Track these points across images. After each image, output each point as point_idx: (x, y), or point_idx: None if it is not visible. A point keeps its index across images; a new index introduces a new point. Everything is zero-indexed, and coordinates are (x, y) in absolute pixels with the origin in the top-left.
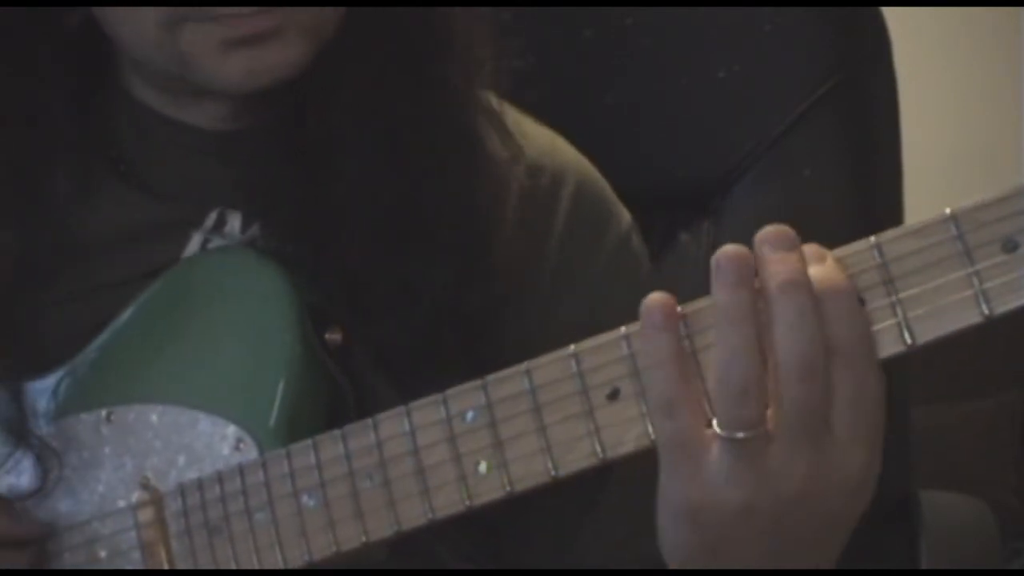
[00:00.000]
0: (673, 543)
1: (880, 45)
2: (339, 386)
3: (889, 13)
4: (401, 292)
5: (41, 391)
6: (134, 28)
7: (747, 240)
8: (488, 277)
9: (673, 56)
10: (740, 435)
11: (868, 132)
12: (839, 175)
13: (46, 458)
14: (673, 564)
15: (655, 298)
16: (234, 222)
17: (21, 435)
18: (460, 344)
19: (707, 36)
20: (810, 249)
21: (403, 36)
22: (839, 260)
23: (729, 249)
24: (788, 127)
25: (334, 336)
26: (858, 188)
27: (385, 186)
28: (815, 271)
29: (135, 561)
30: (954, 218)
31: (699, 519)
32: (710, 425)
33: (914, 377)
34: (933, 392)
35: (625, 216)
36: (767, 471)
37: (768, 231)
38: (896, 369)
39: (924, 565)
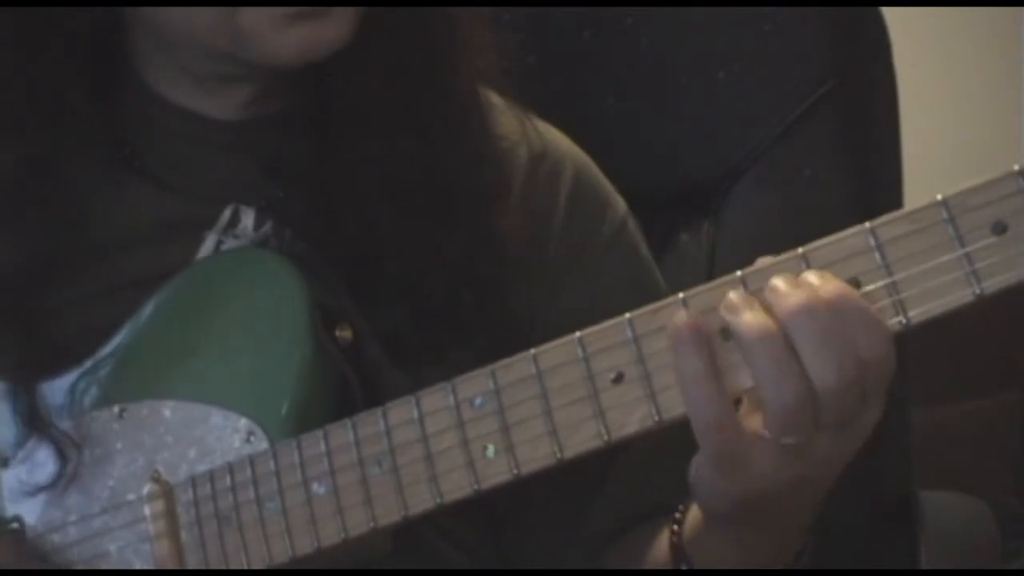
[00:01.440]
0: (712, 505)
1: (880, 45)
2: (349, 382)
3: (889, 13)
4: (411, 279)
5: (58, 390)
6: (188, 11)
7: (747, 240)
8: (495, 263)
9: (673, 56)
10: (790, 440)
11: (868, 132)
12: (839, 175)
13: (65, 447)
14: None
15: (680, 321)
16: (247, 220)
17: (34, 425)
18: (470, 333)
19: (707, 36)
20: (816, 274)
21: (414, 30)
22: (837, 243)
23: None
24: (788, 127)
25: (344, 333)
26: (858, 188)
27: (390, 181)
28: (831, 287)
29: (144, 553)
30: (945, 203)
31: (746, 498)
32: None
33: (914, 377)
34: (933, 392)
35: (621, 202)
36: (813, 456)
37: (775, 278)
38: (896, 369)
39: (924, 565)
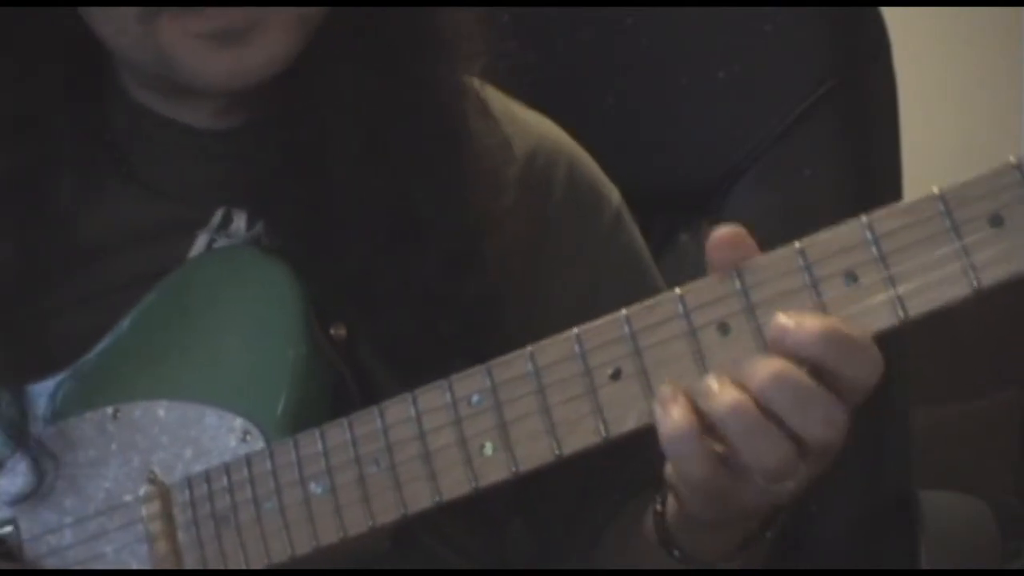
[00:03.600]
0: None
1: (880, 45)
2: (344, 381)
3: (889, 13)
4: (400, 283)
5: (42, 392)
6: (116, 27)
7: None
8: (486, 264)
9: (673, 56)
10: (788, 488)
11: (868, 132)
12: (839, 175)
13: (43, 461)
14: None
15: (665, 393)
16: (239, 221)
17: (21, 438)
18: (463, 331)
19: (707, 36)
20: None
21: (389, 32)
22: (833, 236)
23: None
24: (788, 127)
25: (339, 331)
26: (858, 188)
27: (376, 180)
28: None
29: (141, 555)
30: (942, 195)
31: (732, 516)
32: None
33: (914, 377)
34: (933, 392)
35: (615, 192)
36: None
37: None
38: (896, 369)
39: (924, 565)
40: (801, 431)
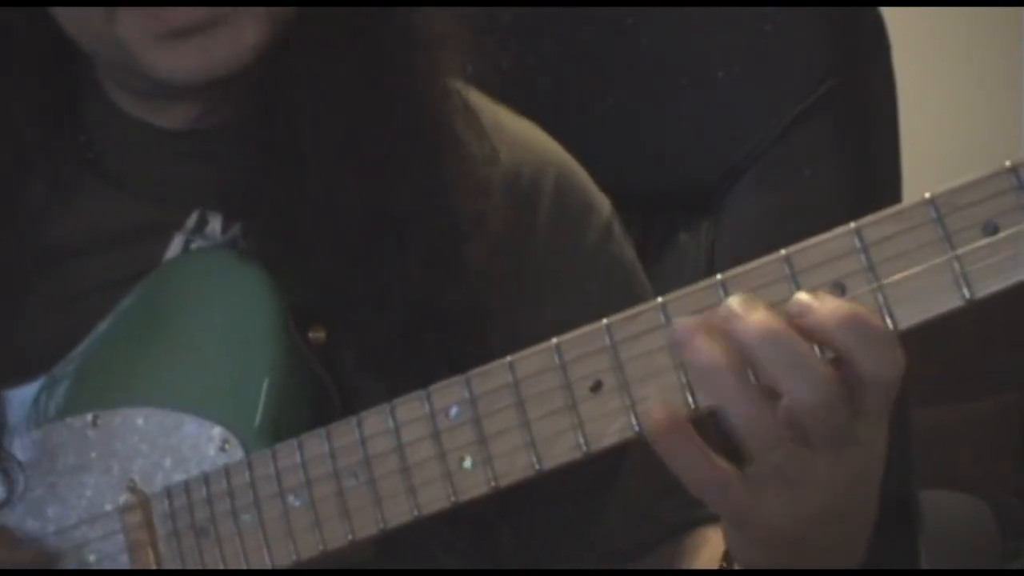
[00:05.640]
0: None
1: (879, 45)
2: (324, 385)
3: (889, 13)
4: (380, 287)
5: (21, 399)
6: (81, 22)
7: (747, 240)
8: (469, 271)
9: (673, 56)
10: (776, 460)
11: (867, 132)
12: (839, 175)
13: (11, 471)
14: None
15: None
16: (215, 223)
17: None
18: (443, 340)
19: (707, 36)
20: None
21: (366, 33)
22: (821, 244)
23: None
24: (788, 127)
25: (317, 335)
26: (857, 188)
27: (354, 182)
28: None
29: (123, 564)
30: (933, 201)
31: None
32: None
33: (914, 377)
34: (933, 392)
35: (605, 203)
36: (815, 482)
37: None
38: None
39: (924, 565)
40: (860, 367)
